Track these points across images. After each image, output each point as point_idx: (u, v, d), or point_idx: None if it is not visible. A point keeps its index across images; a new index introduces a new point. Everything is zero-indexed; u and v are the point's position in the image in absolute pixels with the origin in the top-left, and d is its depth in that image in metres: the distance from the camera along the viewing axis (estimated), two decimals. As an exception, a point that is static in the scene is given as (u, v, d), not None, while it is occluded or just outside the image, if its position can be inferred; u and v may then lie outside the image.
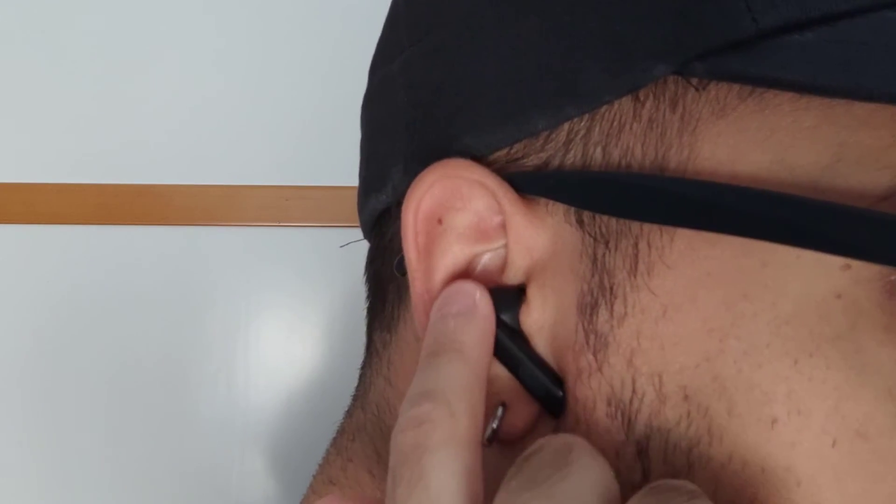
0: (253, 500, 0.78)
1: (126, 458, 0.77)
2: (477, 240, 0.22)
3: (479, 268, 0.23)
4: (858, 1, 0.18)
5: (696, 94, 0.20)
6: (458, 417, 0.18)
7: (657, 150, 0.20)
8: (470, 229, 0.22)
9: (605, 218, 0.21)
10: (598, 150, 0.21)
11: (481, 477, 0.18)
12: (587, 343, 0.20)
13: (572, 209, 0.21)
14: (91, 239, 0.77)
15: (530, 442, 0.21)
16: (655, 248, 0.20)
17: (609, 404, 0.20)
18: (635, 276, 0.20)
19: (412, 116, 0.24)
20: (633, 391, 0.20)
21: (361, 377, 0.28)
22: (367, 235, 0.29)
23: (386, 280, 0.27)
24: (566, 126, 0.21)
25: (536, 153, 0.22)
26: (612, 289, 0.20)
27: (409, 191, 0.22)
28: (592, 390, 0.20)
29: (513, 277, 0.22)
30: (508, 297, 0.22)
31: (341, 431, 0.28)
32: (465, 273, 0.22)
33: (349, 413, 0.28)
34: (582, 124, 0.21)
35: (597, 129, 0.21)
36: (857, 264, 0.18)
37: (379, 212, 0.26)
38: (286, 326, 0.79)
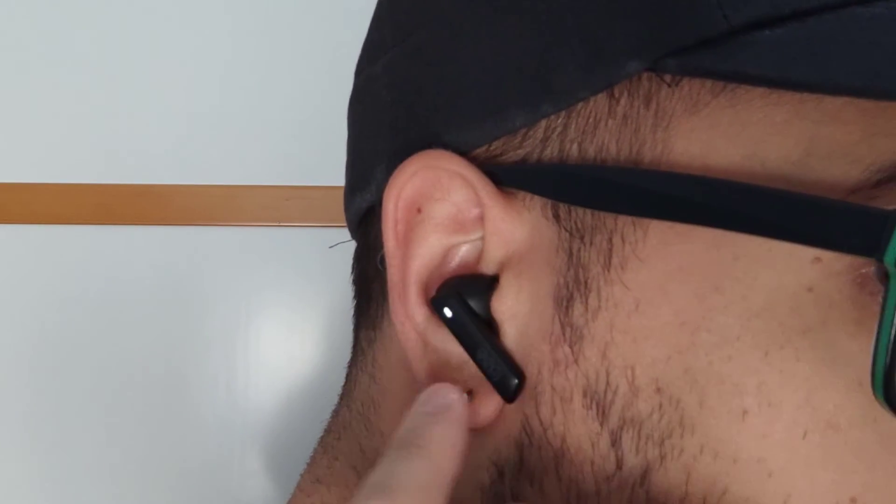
0: (253, 500, 0.78)
1: (126, 457, 0.78)
2: (455, 230, 0.23)
3: (455, 258, 0.23)
4: None
5: (670, 91, 0.20)
6: None
7: (631, 145, 0.20)
8: (448, 220, 0.23)
9: (580, 213, 0.21)
10: (575, 146, 0.21)
11: None
12: (563, 335, 0.21)
13: (549, 204, 0.21)
14: (91, 239, 0.77)
15: (500, 429, 0.22)
16: (629, 243, 0.20)
17: (585, 396, 0.20)
18: (609, 271, 0.20)
19: (395, 116, 0.24)
20: (608, 383, 0.20)
21: (348, 376, 0.29)
22: (353, 234, 0.29)
23: (371, 278, 0.27)
24: (543, 123, 0.22)
25: (515, 150, 0.22)
26: (586, 283, 0.21)
27: (391, 179, 0.23)
28: (570, 381, 0.21)
29: (487, 268, 0.22)
30: (480, 284, 0.22)
31: (328, 430, 0.28)
32: (442, 263, 0.23)
33: (336, 412, 0.29)
34: (559, 121, 0.21)
35: (573, 125, 0.21)
36: (827, 257, 0.18)
37: (364, 210, 0.27)
38: (286, 326, 0.80)
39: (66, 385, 0.78)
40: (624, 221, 0.20)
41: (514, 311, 0.22)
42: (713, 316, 0.19)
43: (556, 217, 0.21)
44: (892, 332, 0.16)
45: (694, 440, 0.19)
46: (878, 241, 0.16)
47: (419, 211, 0.23)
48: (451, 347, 0.22)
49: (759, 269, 0.19)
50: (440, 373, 0.23)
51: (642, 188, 0.19)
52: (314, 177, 0.78)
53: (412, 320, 0.23)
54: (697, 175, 0.19)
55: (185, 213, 0.78)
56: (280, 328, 0.80)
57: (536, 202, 0.22)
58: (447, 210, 0.23)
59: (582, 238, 0.21)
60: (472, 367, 0.22)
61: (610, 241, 0.20)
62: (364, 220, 0.27)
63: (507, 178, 0.22)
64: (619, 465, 0.20)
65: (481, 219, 0.22)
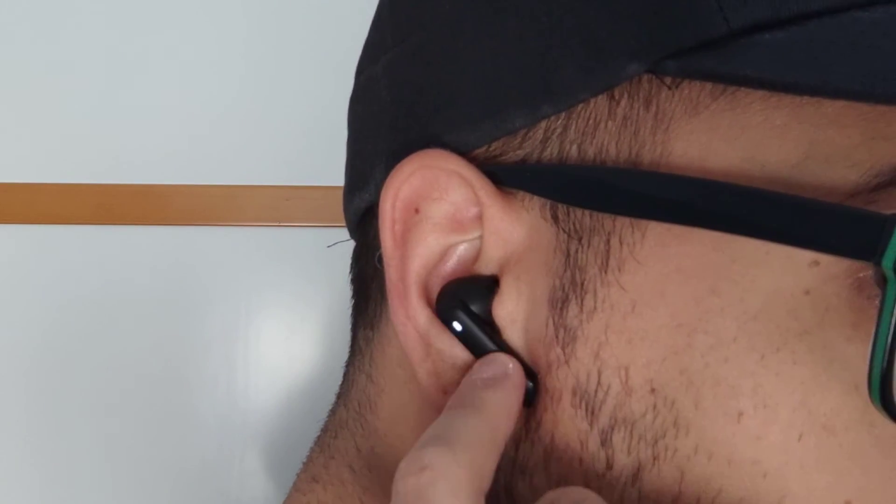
0: (253, 500, 0.78)
1: (126, 457, 0.78)
2: (453, 230, 0.23)
3: (453, 257, 0.23)
4: (827, 1, 0.18)
5: (670, 93, 0.20)
6: (462, 467, 0.18)
7: (631, 147, 0.20)
8: (446, 219, 0.23)
9: (579, 214, 0.21)
10: (574, 147, 0.21)
11: None
12: (556, 337, 0.21)
13: (548, 205, 0.21)
14: (91, 239, 0.77)
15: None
16: (627, 245, 0.20)
17: (574, 395, 0.20)
18: (606, 272, 0.20)
19: (395, 116, 0.25)
20: (598, 383, 0.20)
21: (345, 375, 0.29)
22: (352, 234, 0.29)
23: (369, 278, 0.27)
24: (543, 124, 0.22)
25: (514, 151, 0.22)
26: (582, 284, 0.21)
27: (388, 179, 0.23)
28: (560, 382, 0.21)
29: (485, 268, 0.22)
30: (480, 288, 0.22)
31: (325, 429, 0.28)
32: (440, 262, 0.23)
33: (333, 411, 0.29)
34: (558, 122, 0.21)
35: (573, 127, 0.21)
36: (825, 261, 0.18)
37: (362, 210, 0.27)
38: (286, 326, 0.80)
39: (66, 385, 0.78)
40: (622, 223, 0.20)
41: (514, 315, 0.22)
42: (710, 318, 0.19)
43: (555, 218, 0.21)
44: (890, 337, 0.16)
45: (688, 441, 0.19)
46: (875, 245, 0.16)
47: (417, 211, 0.23)
48: (456, 350, 0.22)
49: (757, 272, 0.19)
50: (444, 374, 0.23)
51: (641, 190, 0.19)
52: (314, 177, 0.78)
53: (413, 321, 0.23)
54: (696, 177, 0.19)
55: (185, 213, 0.78)
56: (280, 328, 0.80)
57: (535, 203, 0.22)
58: (445, 209, 0.23)
59: (580, 239, 0.21)
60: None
61: (608, 242, 0.20)
62: (363, 220, 0.27)
63: (507, 178, 0.22)
64: (610, 464, 0.20)
65: (479, 218, 0.22)
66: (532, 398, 0.22)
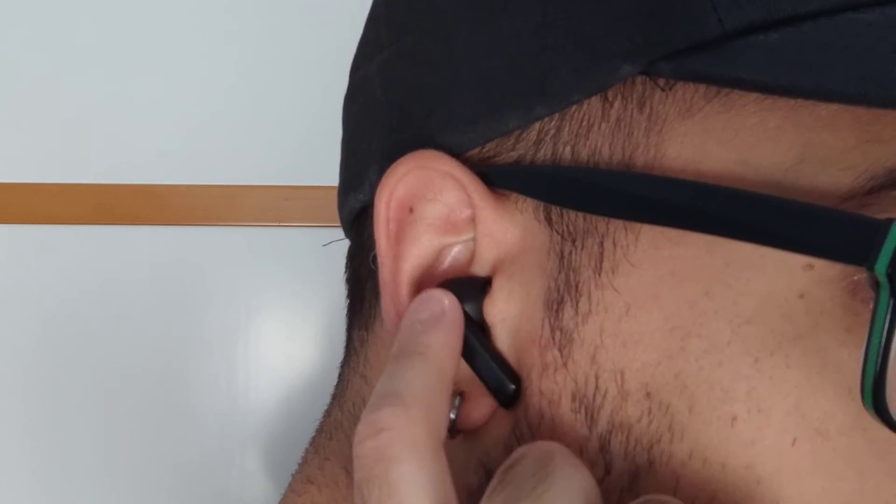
0: (252, 500, 0.78)
1: (126, 457, 0.78)
2: (446, 231, 0.23)
3: (447, 259, 0.23)
4: (822, 3, 0.18)
5: (663, 95, 0.20)
6: (418, 423, 0.18)
7: (624, 149, 0.20)
8: (440, 220, 0.23)
9: (572, 216, 0.21)
10: (568, 149, 0.21)
11: (450, 482, 0.18)
12: (553, 339, 0.21)
13: (541, 207, 0.21)
14: (91, 239, 0.77)
15: (490, 431, 0.22)
16: (620, 247, 0.20)
17: (573, 399, 0.20)
18: (600, 275, 0.20)
19: (389, 116, 0.24)
20: (596, 387, 0.20)
21: (340, 376, 0.29)
22: (347, 234, 0.29)
23: (364, 278, 0.27)
24: (537, 125, 0.22)
25: (508, 152, 0.22)
26: (577, 286, 0.20)
27: (384, 179, 0.23)
28: (558, 385, 0.21)
29: (479, 269, 0.22)
30: (473, 288, 0.22)
31: (320, 430, 0.28)
32: (434, 263, 0.23)
33: (328, 412, 0.29)
34: (552, 124, 0.21)
35: (566, 128, 0.21)
36: (819, 264, 0.18)
37: (357, 210, 0.27)
38: (286, 326, 0.80)
39: (65, 385, 0.78)
40: (616, 225, 0.20)
41: (504, 314, 0.22)
42: (704, 321, 0.19)
43: (549, 220, 0.21)
44: (882, 341, 0.16)
45: (683, 445, 0.19)
46: (868, 250, 0.16)
47: (411, 211, 0.23)
48: None
49: (751, 275, 0.19)
50: None
51: (634, 192, 0.19)
52: (314, 177, 0.77)
53: None
54: (690, 180, 0.19)
55: (185, 213, 0.78)
56: (280, 328, 0.80)
57: (529, 204, 0.22)
58: (439, 210, 0.23)
59: (573, 241, 0.21)
60: (465, 368, 0.22)
61: (601, 244, 0.20)
62: (357, 220, 0.27)
63: (500, 179, 0.22)
64: (608, 469, 0.20)
65: (473, 220, 0.22)
66: (512, 401, 0.22)
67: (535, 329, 0.21)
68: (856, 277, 0.18)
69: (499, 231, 0.22)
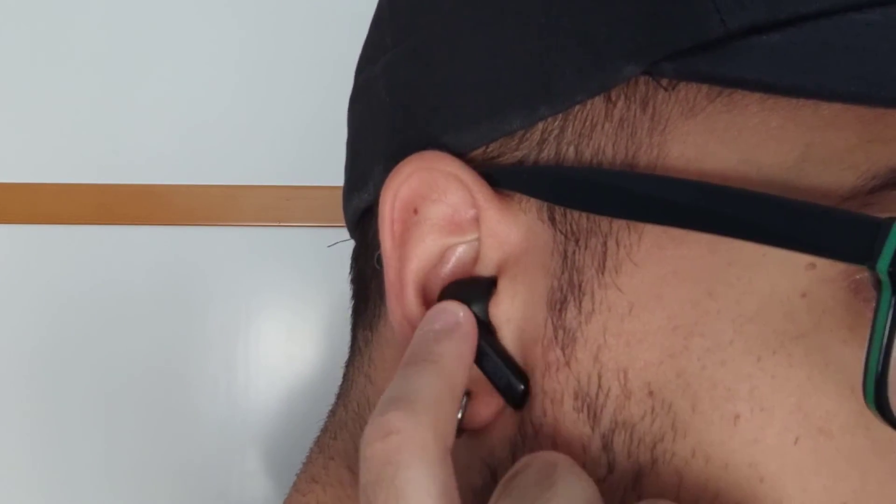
0: (253, 500, 0.78)
1: (125, 457, 0.78)
2: (451, 231, 0.23)
3: (452, 259, 0.23)
4: (823, 3, 0.18)
5: (666, 95, 0.20)
6: (427, 428, 0.18)
7: (627, 149, 0.20)
8: (444, 221, 0.23)
9: (576, 216, 0.21)
10: (571, 148, 0.21)
11: (456, 488, 0.18)
12: (556, 338, 0.21)
13: (545, 207, 0.21)
14: (91, 239, 0.77)
15: (495, 431, 0.22)
16: (623, 247, 0.20)
17: (576, 398, 0.20)
18: (603, 274, 0.20)
19: (394, 117, 0.25)
20: (599, 386, 0.20)
21: (345, 376, 0.29)
22: (351, 234, 0.29)
23: (368, 278, 0.27)
24: (540, 126, 0.22)
25: (512, 152, 0.22)
26: (580, 286, 0.21)
27: (388, 180, 0.23)
28: (560, 384, 0.21)
29: (484, 270, 0.23)
30: (479, 289, 0.22)
31: (324, 430, 0.29)
32: (439, 263, 0.23)
33: (332, 412, 0.29)
34: (556, 124, 0.21)
35: (570, 128, 0.21)
36: (822, 263, 0.18)
37: (362, 210, 0.27)
38: (286, 326, 0.80)
39: (66, 385, 0.78)
40: (619, 225, 0.20)
41: (509, 315, 0.22)
42: (707, 321, 0.19)
43: (552, 220, 0.21)
44: (884, 340, 0.16)
45: (686, 444, 0.19)
46: (870, 249, 0.16)
47: (416, 212, 0.23)
48: None
49: (754, 275, 0.19)
50: None
51: (637, 192, 0.19)
52: (315, 177, 0.78)
53: (410, 321, 0.23)
54: (693, 180, 0.19)
55: (185, 213, 0.78)
56: (280, 328, 0.80)
57: (532, 204, 0.22)
58: (443, 211, 0.23)
59: (577, 241, 0.21)
60: (472, 368, 0.22)
61: (605, 244, 0.20)
62: (362, 220, 0.27)
63: (504, 179, 0.22)
64: (611, 468, 0.20)
65: (477, 220, 0.22)
66: (521, 400, 0.22)
67: (539, 328, 0.21)
68: (858, 277, 0.18)
69: (502, 231, 0.22)
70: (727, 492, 0.19)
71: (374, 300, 0.27)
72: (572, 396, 0.20)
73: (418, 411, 0.18)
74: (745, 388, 0.18)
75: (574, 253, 0.21)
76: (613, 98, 0.21)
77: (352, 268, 0.29)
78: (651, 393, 0.19)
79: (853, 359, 0.18)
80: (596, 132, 0.21)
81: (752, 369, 0.18)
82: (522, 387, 0.21)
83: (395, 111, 0.25)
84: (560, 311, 0.21)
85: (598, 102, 0.21)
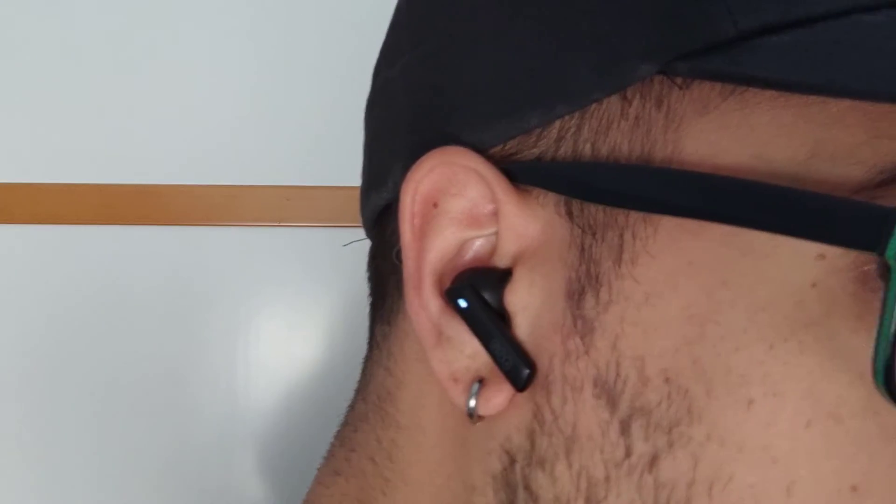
0: (252, 500, 0.78)
1: (125, 457, 0.78)
2: (469, 225, 0.23)
3: (469, 252, 0.24)
4: (833, 5, 0.19)
5: (680, 93, 0.21)
6: None
7: (643, 146, 0.21)
8: (463, 214, 0.23)
9: (593, 210, 0.22)
10: (588, 145, 0.22)
11: None
12: (575, 327, 0.21)
13: (562, 202, 0.22)
14: (91, 239, 0.78)
15: (511, 417, 0.22)
16: (640, 239, 0.21)
17: (595, 385, 0.21)
18: (620, 265, 0.21)
19: (412, 118, 0.25)
20: (618, 374, 0.21)
21: (364, 370, 0.29)
22: (368, 233, 0.30)
23: (386, 274, 0.28)
24: (557, 123, 0.22)
25: (529, 149, 0.23)
26: (598, 277, 0.21)
27: (409, 174, 0.23)
28: (580, 371, 0.21)
29: (500, 261, 0.23)
30: (493, 277, 0.23)
31: (345, 423, 0.29)
32: (456, 256, 0.24)
33: (352, 406, 0.29)
34: (572, 122, 0.22)
35: (586, 126, 0.22)
36: (831, 254, 0.19)
37: (380, 208, 0.27)
38: (286, 326, 0.80)
39: (66, 385, 0.78)
40: (635, 218, 0.21)
41: (525, 303, 0.23)
42: (721, 309, 0.20)
43: (569, 214, 0.22)
44: (893, 326, 0.17)
45: (701, 428, 0.20)
46: (878, 237, 0.17)
47: (435, 205, 0.23)
48: (465, 337, 0.23)
49: (766, 265, 0.19)
50: (455, 362, 0.23)
51: (653, 186, 0.20)
52: (315, 177, 0.78)
53: (427, 310, 0.24)
54: (707, 173, 0.20)
55: (185, 213, 0.78)
56: (280, 328, 0.80)
57: (550, 199, 0.22)
58: (462, 205, 0.23)
59: (594, 234, 0.21)
60: (484, 356, 0.23)
61: (621, 237, 0.21)
62: (380, 218, 0.28)
63: (522, 175, 0.23)
64: (629, 452, 0.20)
65: (495, 214, 0.23)
66: (525, 384, 0.22)
67: (558, 318, 0.22)
68: (866, 268, 0.19)
69: (521, 225, 0.23)
70: (741, 474, 0.19)
71: (392, 295, 0.27)
72: (592, 383, 0.21)
73: None
74: (758, 373, 0.19)
75: (591, 246, 0.21)
76: (629, 96, 0.21)
77: (369, 266, 0.30)
78: (667, 379, 0.20)
79: (862, 346, 0.19)
80: (612, 129, 0.22)
81: (765, 356, 0.19)
82: (528, 371, 0.22)
83: (413, 112, 0.25)
84: (578, 301, 0.22)
85: (615, 101, 0.22)
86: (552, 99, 0.22)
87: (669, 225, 0.20)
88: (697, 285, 0.20)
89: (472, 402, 0.23)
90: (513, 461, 0.23)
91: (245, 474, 0.79)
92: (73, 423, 0.78)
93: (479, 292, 0.23)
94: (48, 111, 0.77)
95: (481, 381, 0.23)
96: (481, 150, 0.23)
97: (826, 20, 0.19)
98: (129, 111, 0.78)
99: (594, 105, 0.22)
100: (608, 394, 0.21)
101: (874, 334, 0.17)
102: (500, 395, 0.23)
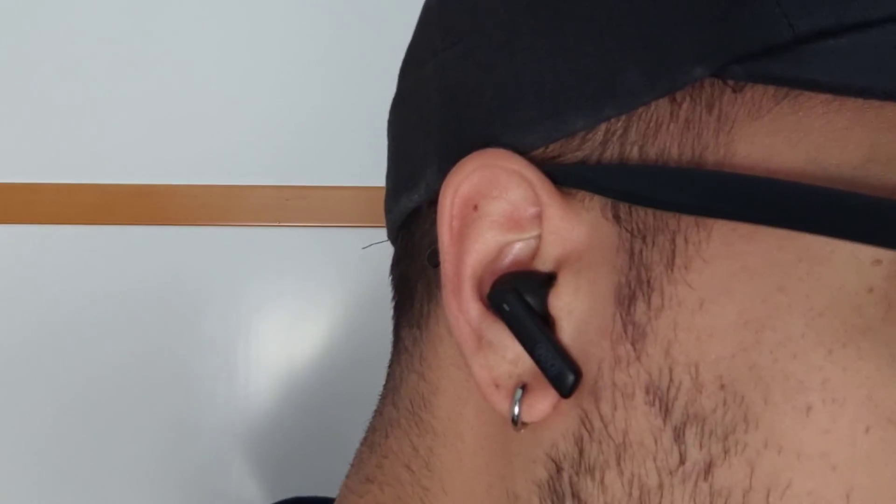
0: (252, 501, 0.78)
1: (125, 457, 0.77)
2: (510, 228, 0.23)
3: (509, 255, 0.23)
4: (889, 10, 0.19)
5: (733, 97, 0.21)
6: None
7: (693, 149, 0.21)
8: (504, 217, 0.23)
9: (642, 213, 0.21)
10: (635, 149, 0.22)
11: None
12: (625, 333, 0.21)
13: (609, 205, 0.22)
14: (91, 239, 0.77)
15: (556, 424, 0.22)
16: (692, 243, 0.21)
17: (647, 392, 0.21)
18: (672, 270, 0.21)
19: (446, 118, 0.25)
20: (671, 380, 0.20)
21: (390, 375, 0.29)
22: (393, 236, 0.30)
23: (414, 277, 0.27)
24: (603, 126, 0.22)
25: (573, 152, 0.23)
26: (649, 282, 0.21)
27: (449, 176, 0.23)
28: (631, 378, 0.21)
29: (542, 265, 0.23)
30: (536, 282, 0.23)
31: (372, 429, 0.29)
32: (496, 259, 0.23)
33: (379, 411, 0.29)
34: (619, 124, 0.22)
35: (634, 129, 0.22)
36: (887, 259, 0.19)
37: (410, 210, 0.27)
38: (286, 326, 0.80)
39: (65, 385, 0.77)
40: (687, 222, 0.21)
41: (571, 307, 0.22)
42: (778, 315, 0.19)
43: (617, 217, 0.22)
44: None
45: (758, 435, 0.19)
46: None
47: (475, 208, 0.23)
48: (507, 342, 0.23)
49: (822, 270, 0.19)
50: (496, 367, 0.23)
51: (707, 189, 0.20)
52: (314, 177, 0.78)
53: (466, 315, 0.23)
54: (762, 176, 0.20)
55: (185, 213, 0.78)
56: (280, 328, 0.80)
57: (596, 202, 0.22)
58: (503, 208, 0.23)
59: (644, 238, 0.21)
60: (526, 361, 0.22)
61: (673, 241, 0.21)
62: (408, 221, 0.27)
63: (566, 178, 0.22)
64: (683, 459, 0.20)
65: (538, 217, 0.23)
66: (570, 390, 0.22)
67: (606, 323, 0.22)
68: None
69: (565, 228, 0.22)
70: (799, 481, 0.19)
71: (421, 299, 0.27)
72: (643, 390, 0.21)
73: None
74: (816, 379, 0.19)
75: (641, 250, 0.21)
76: (678, 99, 0.21)
77: (393, 268, 0.29)
78: (723, 386, 0.20)
79: None
80: (661, 132, 0.21)
81: (824, 362, 0.19)
82: (573, 377, 0.22)
83: (448, 113, 0.25)
84: (629, 306, 0.21)
85: (663, 103, 0.21)
86: (600, 101, 0.22)
87: (723, 229, 0.20)
88: (753, 291, 0.20)
89: (517, 409, 0.22)
90: (559, 469, 0.22)
91: (243, 474, 0.79)
92: (72, 422, 0.77)
93: (522, 296, 0.22)
94: (48, 111, 0.77)
95: (524, 387, 0.23)
96: (522, 152, 0.23)
97: (883, 24, 0.19)
98: (128, 111, 0.77)
99: (642, 108, 0.22)
100: (661, 400, 0.21)
101: None
102: (544, 401, 0.23)
